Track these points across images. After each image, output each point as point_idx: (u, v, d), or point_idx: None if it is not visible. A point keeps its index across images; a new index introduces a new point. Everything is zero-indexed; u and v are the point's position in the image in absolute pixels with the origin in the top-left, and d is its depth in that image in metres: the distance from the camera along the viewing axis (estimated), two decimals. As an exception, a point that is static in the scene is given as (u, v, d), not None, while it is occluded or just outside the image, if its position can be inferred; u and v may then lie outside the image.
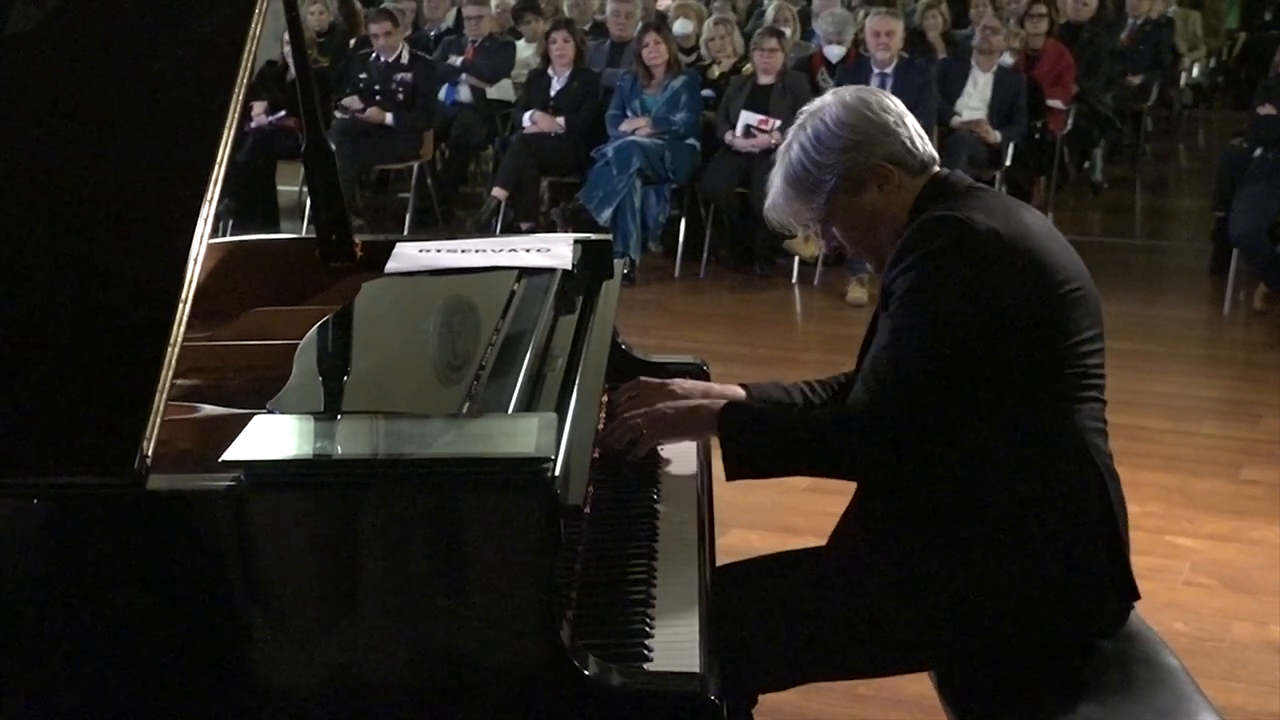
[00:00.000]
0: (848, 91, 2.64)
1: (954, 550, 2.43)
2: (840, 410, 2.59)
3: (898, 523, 2.50)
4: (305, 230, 8.41)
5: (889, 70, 8.37)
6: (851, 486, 2.60)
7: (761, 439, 2.56)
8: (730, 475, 2.53)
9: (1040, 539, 2.41)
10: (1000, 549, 2.41)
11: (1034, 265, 2.42)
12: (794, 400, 2.82)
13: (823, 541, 2.67)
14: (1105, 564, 2.45)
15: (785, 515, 3.37)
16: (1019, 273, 2.40)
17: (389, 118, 9.32)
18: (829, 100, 2.63)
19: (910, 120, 2.61)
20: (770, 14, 10.46)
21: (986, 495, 2.43)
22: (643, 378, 2.85)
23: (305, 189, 8.85)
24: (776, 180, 2.64)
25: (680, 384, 2.81)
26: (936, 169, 2.61)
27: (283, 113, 9.24)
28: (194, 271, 2.11)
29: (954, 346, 2.39)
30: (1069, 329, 2.44)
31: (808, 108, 2.66)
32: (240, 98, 2.32)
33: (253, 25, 2.40)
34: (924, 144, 2.60)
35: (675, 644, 2.16)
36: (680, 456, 2.86)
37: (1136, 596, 2.51)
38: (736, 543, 3.77)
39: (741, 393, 2.79)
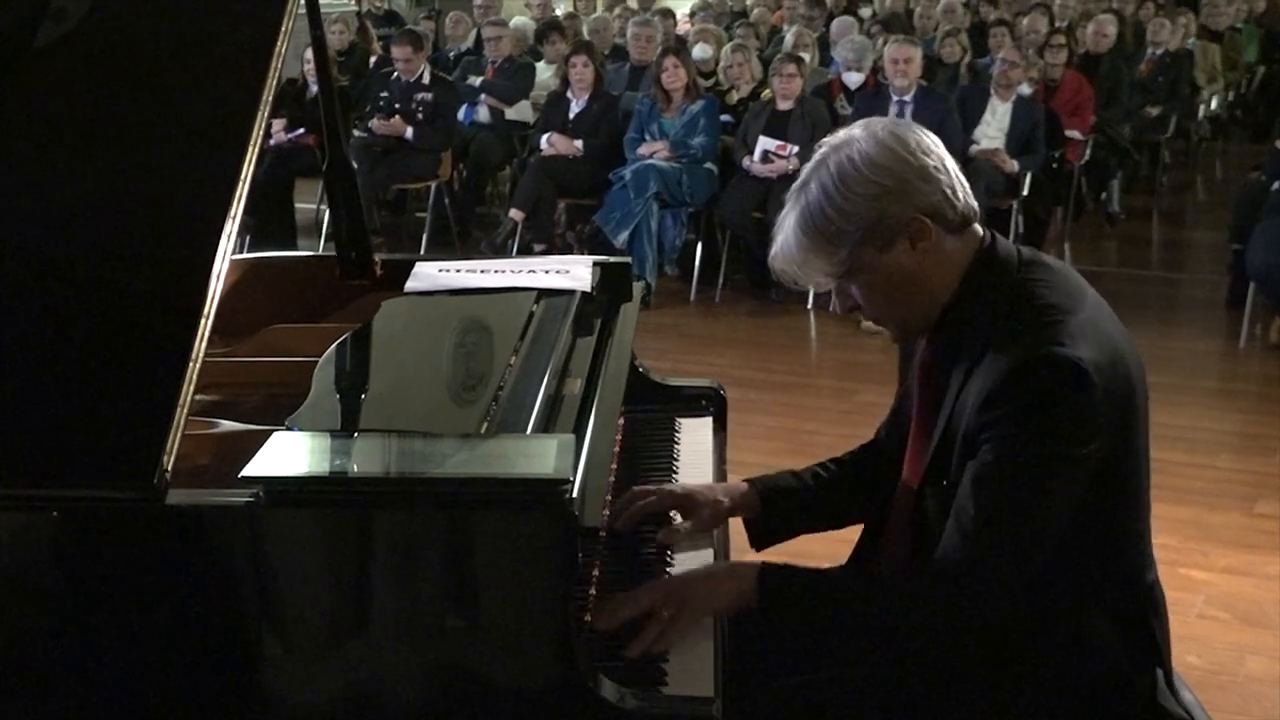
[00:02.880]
0: (880, 125, 2.27)
1: (1000, 679, 2.29)
2: (937, 578, 2.20)
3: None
4: (322, 248, 8.44)
5: (908, 98, 8.37)
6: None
7: (817, 612, 2.29)
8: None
9: (1086, 654, 2.30)
10: (1051, 675, 2.29)
11: (1127, 397, 2.22)
12: (806, 484, 2.65)
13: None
14: (1149, 688, 2.36)
15: (799, 541, 3.36)
16: (1120, 411, 2.20)
17: (409, 131, 9.34)
18: (858, 134, 2.26)
19: (951, 165, 2.27)
20: (790, 40, 10.48)
21: (1045, 629, 2.27)
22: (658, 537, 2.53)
23: (323, 207, 8.92)
24: (789, 224, 2.28)
25: (679, 487, 2.64)
26: (977, 227, 2.31)
27: (301, 130, 9.27)
28: (216, 288, 2.12)
29: (1068, 505, 2.17)
30: (1141, 453, 2.29)
31: (830, 140, 2.30)
32: (265, 115, 2.33)
33: (278, 44, 2.41)
34: (965, 194, 2.27)
35: (690, 667, 2.15)
36: (695, 478, 2.85)
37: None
38: (749, 568, 3.77)
39: (745, 487, 2.65)
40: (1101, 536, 2.28)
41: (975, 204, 2.31)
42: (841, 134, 2.31)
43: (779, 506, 2.66)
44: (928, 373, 2.40)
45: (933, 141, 2.28)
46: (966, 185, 2.30)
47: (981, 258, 2.30)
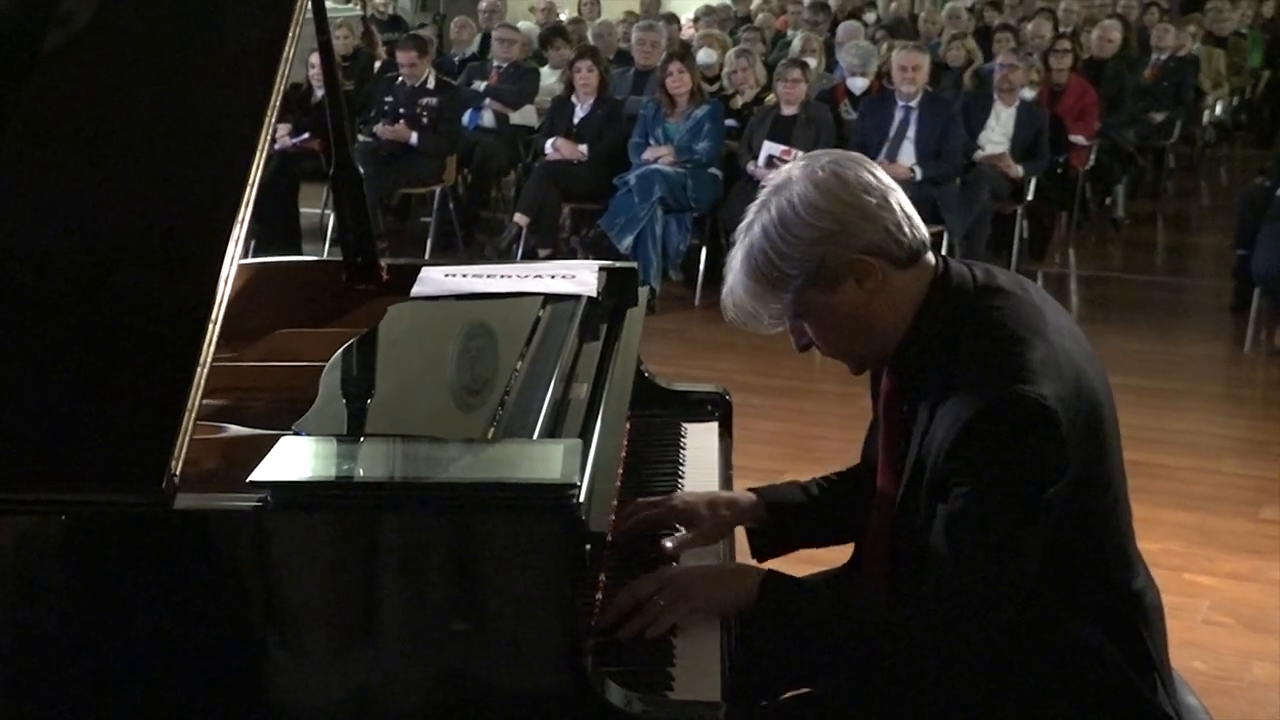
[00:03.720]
0: (820, 163, 2.24)
1: (997, 688, 2.28)
2: (919, 623, 2.17)
3: None
4: (326, 252, 8.44)
5: (913, 103, 8.37)
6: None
7: (806, 629, 2.28)
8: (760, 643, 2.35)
9: (1079, 660, 2.29)
10: (1044, 683, 2.29)
11: (1095, 421, 2.22)
12: (812, 497, 2.65)
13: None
14: (1147, 692, 2.34)
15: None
16: (1088, 437, 2.20)
17: (413, 137, 9.35)
18: (797, 175, 2.23)
19: (897, 198, 2.24)
20: (797, 44, 10.50)
21: (1034, 639, 2.27)
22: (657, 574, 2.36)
23: (327, 211, 8.93)
24: (735, 265, 2.26)
25: (681, 500, 2.61)
26: (930, 256, 2.28)
27: (306, 135, 9.28)
28: (224, 292, 2.13)
29: (1039, 541, 2.15)
30: (1114, 467, 2.30)
31: (773, 179, 2.28)
32: (272, 119, 2.33)
33: (286, 48, 2.41)
34: (911, 227, 2.24)
35: (697, 672, 2.15)
36: (701, 483, 2.86)
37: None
38: (755, 572, 3.77)
39: (752, 498, 2.64)
40: (1081, 553, 2.27)
41: (925, 235, 2.27)
42: (783, 172, 2.28)
43: (783, 520, 2.65)
44: (891, 402, 2.39)
45: (875, 177, 2.24)
46: (915, 217, 2.26)
47: (936, 287, 2.27)
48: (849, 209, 2.19)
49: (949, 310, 2.26)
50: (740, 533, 2.71)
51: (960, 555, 2.14)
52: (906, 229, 2.23)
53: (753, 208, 2.28)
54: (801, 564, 2.64)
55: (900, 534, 2.33)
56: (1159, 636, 2.39)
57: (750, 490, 2.68)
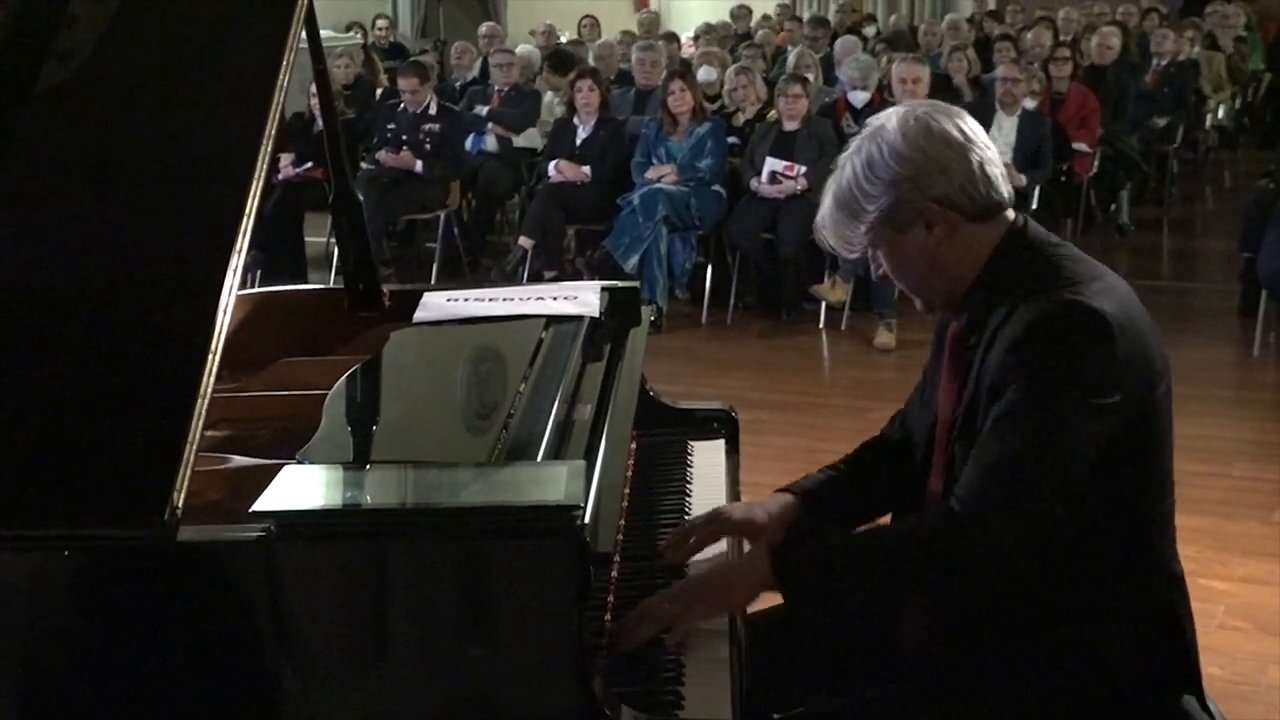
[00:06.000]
0: (916, 112, 2.37)
1: (1020, 662, 2.32)
2: (948, 510, 2.24)
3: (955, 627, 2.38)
4: (332, 281, 8.45)
5: (914, 115, 8.36)
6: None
7: (831, 572, 2.29)
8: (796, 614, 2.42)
9: (1112, 654, 2.32)
10: (1070, 662, 2.31)
11: (1146, 360, 2.28)
12: (835, 482, 2.67)
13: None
14: (1176, 677, 2.40)
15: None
16: (1140, 373, 2.26)
17: (419, 165, 9.36)
18: (891, 121, 2.37)
19: (981, 155, 2.35)
20: (791, 60, 10.50)
21: (1061, 609, 2.31)
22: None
23: (332, 240, 8.94)
24: (827, 196, 2.43)
25: (738, 515, 2.61)
26: (1009, 214, 2.40)
27: (309, 164, 9.29)
28: (223, 322, 2.12)
29: (1083, 455, 2.20)
30: (1162, 435, 2.33)
31: (874, 120, 2.42)
32: (269, 149, 2.33)
33: (280, 76, 2.42)
34: (989, 186, 2.34)
35: (707, 691, 2.14)
36: (709, 501, 2.84)
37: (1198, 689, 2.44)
38: (766, 589, 3.76)
39: (786, 497, 2.64)
40: (1129, 511, 2.32)
41: (1004, 194, 2.38)
42: (880, 117, 2.41)
43: (818, 507, 2.65)
44: (957, 344, 2.45)
45: (962, 133, 2.35)
46: (995, 177, 2.37)
47: (1011, 238, 2.39)
48: (927, 159, 2.33)
49: (1021, 257, 2.37)
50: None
51: (1004, 448, 2.21)
52: (981, 187, 2.35)
53: (854, 140, 2.43)
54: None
55: (955, 454, 2.37)
56: (1193, 623, 2.44)
57: (778, 491, 2.69)
